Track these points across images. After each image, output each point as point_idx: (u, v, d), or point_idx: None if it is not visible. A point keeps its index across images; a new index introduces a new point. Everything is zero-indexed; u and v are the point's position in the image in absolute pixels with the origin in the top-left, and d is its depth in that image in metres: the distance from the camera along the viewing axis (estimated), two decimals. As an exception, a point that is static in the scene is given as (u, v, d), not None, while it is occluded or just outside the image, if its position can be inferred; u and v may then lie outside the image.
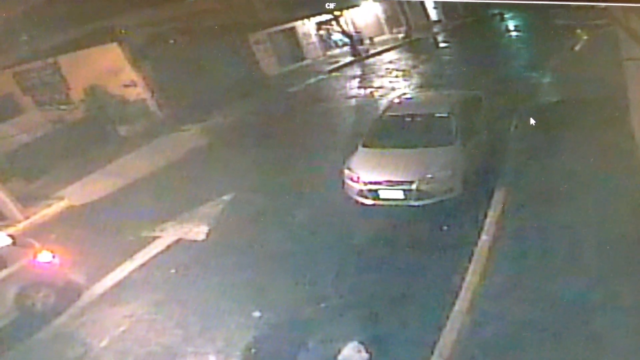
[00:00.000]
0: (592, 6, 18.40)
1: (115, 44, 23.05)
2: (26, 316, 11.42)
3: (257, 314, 10.59)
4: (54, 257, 11.90)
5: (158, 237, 14.10)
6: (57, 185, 17.79)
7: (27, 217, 16.14)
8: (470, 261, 10.82)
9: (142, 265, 13.08)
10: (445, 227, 12.27)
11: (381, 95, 23.61)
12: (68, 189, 17.58)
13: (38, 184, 18.18)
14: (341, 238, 12.63)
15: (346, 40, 35.46)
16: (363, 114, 21.27)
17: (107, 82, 23.48)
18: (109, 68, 23.28)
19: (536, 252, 10.78)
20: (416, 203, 12.87)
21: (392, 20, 40.55)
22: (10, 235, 12.14)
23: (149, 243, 13.86)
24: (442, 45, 35.57)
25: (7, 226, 15.78)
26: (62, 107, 24.11)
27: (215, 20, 25.65)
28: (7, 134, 20.66)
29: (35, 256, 11.72)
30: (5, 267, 11.38)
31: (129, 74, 23.50)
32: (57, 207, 16.72)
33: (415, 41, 36.41)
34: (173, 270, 12.58)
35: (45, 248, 11.96)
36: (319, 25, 35.98)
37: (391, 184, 12.98)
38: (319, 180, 15.31)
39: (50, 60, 23.57)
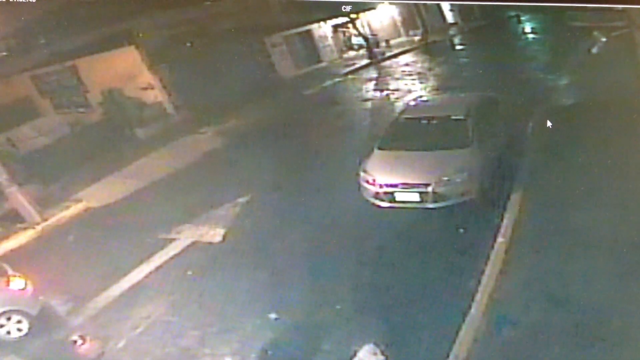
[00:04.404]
0: (610, 8, 18.22)
1: (132, 47, 23.14)
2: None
3: (273, 315, 10.64)
4: (26, 284, 11.65)
5: (174, 239, 14.17)
6: (75, 188, 17.87)
7: (45, 219, 16.25)
8: (486, 264, 10.80)
9: (159, 267, 13.17)
10: (461, 230, 12.23)
11: (397, 98, 23.53)
12: (86, 191, 17.67)
13: (56, 186, 18.24)
14: (357, 240, 12.62)
15: (362, 42, 35.32)
16: (379, 116, 21.22)
17: (125, 85, 23.55)
18: (127, 71, 23.36)
19: (553, 255, 10.73)
20: (432, 205, 12.86)
21: (408, 22, 40.36)
22: None
23: (165, 245, 13.93)
24: (458, 47, 35.39)
25: (25, 228, 15.92)
26: (80, 109, 24.21)
27: (232, 23, 25.67)
28: (25, 136, 20.80)
29: (7, 283, 11.54)
30: None
31: (146, 76, 23.57)
32: (75, 209, 16.82)
33: (432, 44, 36.19)
34: (189, 272, 12.64)
35: (17, 275, 11.73)
36: (335, 28, 35.92)
37: (407, 186, 12.98)
38: (335, 183, 15.29)
39: (68, 63, 23.70)
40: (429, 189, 12.75)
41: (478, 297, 10.01)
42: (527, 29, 36.87)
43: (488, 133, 13.89)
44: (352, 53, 36.36)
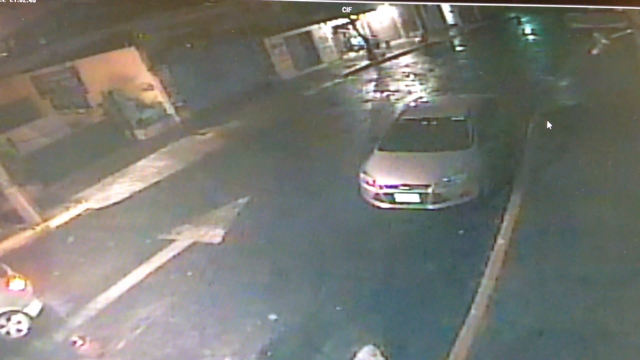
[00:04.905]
0: (610, 10, 18.21)
1: (132, 48, 23.12)
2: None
3: (273, 316, 10.63)
4: (26, 284, 11.65)
5: (174, 240, 14.15)
6: (75, 188, 17.87)
7: (45, 220, 16.23)
8: (486, 265, 10.79)
9: (159, 268, 13.14)
10: (461, 231, 12.23)
11: (397, 99, 23.52)
12: (86, 192, 17.66)
13: (56, 187, 18.25)
14: (357, 241, 12.62)
15: (362, 44, 35.33)
16: (379, 117, 21.20)
17: (125, 85, 23.52)
18: (127, 72, 23.35)
19: (553, 256, 10.72)
20: (432, 207, 12.87)
21: (408, 24, 40.34)
22: None
23: (165, 246, 13.90)
24: (458, 48, 35.45)
25: (25, 229, 15.91)
26: (80, 110, 24.20)
27: (232, 24, 25.67)
28: (25, 137, 20.77)
29: (7, 284, 11.53)
30: None
31: (147, 77, 23.57)
32: (75, 210, 16.81)
33: (432, 45, 36.19)
34: (189, 273, 12.63)
35: (17, 276, 11.71)
36: (336, 29, 35.92)
37: (407, 187, 12.99)
38: (335, 184, 15.28)
39: (68, 64, 23.69)
40: (429, 190, 12.76)
41: (478, 298, 10.01)
42: (527, 30, 36.87)
43: (488, 134, 13.89)
44: (352, 54, 36.35)
